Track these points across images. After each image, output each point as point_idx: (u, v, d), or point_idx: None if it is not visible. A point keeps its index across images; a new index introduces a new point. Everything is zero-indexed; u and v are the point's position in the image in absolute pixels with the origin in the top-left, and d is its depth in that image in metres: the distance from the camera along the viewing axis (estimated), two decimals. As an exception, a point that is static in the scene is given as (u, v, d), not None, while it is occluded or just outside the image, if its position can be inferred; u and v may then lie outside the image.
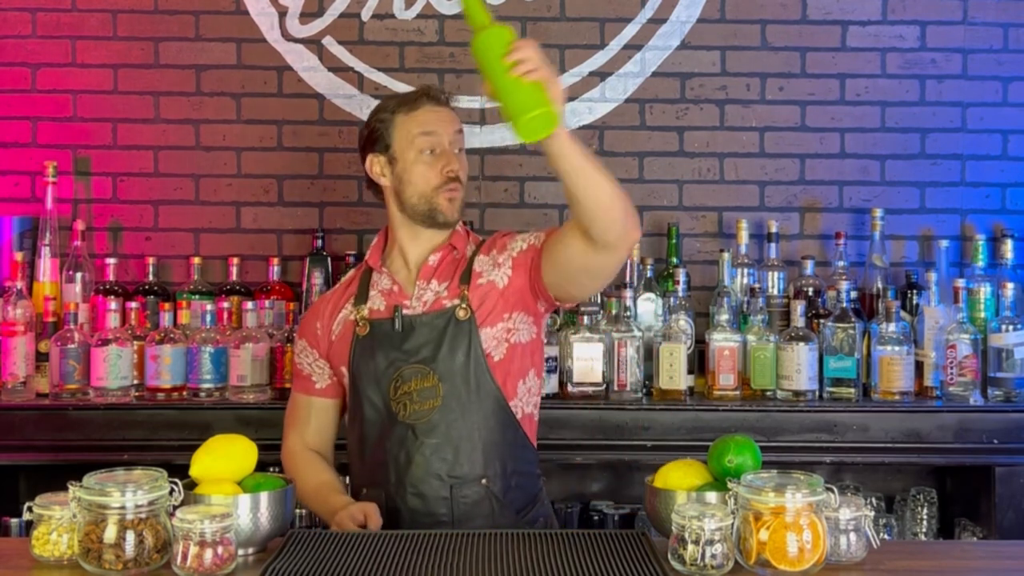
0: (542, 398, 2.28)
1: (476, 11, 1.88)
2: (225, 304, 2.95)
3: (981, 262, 3.08)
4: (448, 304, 2.16)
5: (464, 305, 2.15)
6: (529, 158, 3.26)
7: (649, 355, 2.90)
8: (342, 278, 2.38)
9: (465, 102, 3.19)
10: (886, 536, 2.89)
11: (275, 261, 3.13)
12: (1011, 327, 2.87)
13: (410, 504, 2.10)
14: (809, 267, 3.08)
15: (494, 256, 2.22)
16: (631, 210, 2.04)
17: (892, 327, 2.85)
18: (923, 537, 2.94)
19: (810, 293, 3.04)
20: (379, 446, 2.13)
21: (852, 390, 2.84)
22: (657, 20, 3.26)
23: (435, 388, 2.12)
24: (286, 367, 2.84)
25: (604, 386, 2.86)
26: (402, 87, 3.22)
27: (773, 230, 3.15)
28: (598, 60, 3.26)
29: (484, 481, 2.12)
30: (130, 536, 1.61)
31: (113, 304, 2.82)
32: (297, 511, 2.84)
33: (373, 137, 2.25)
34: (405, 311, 2.16)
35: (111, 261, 3.08)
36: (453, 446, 2.10)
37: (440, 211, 2.20)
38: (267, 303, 2.94)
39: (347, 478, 2.65)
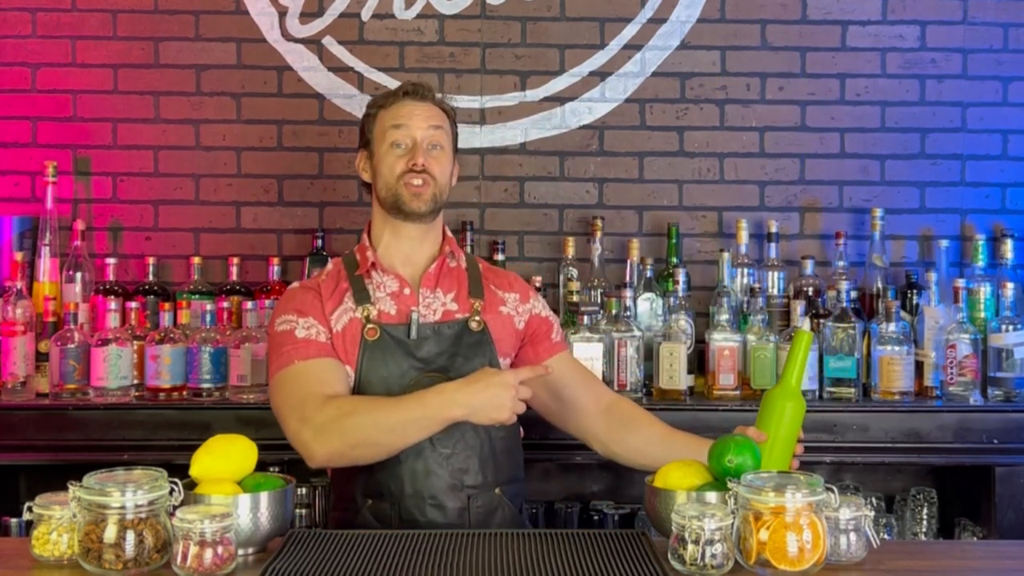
0: None
1: (799, 370, 1.96)
2: (225, 304, 2.95)
3: (981, 262, 3.09)
4: (459, 316, 2.18)
5: (477, 319, 2.17)
6: (529, 158, 3.26)
7: (649, 355, 2.90)
8: (319, 271, 2.26)
9: (465, 102, 3.21)
10: (886, 536, 2.89)
11: (275, 261, 3.13)
12: (1011, 327, 2.87)
13: (429, 516, 2.06)
14: (809, 267, 3.08)
15: (516, 298, 2.27)
16: None
17: (892, 327, 2.85)
18: (923, 537, 2.94)
19: (810, 293, 3.05)
20: (392, 456, 2.05)
21: (852, 390, 2.84)
22: (657, 20, 3.26)
23: None
24: (286, 367, 2.84)
25: (604, 386, 2.86)
26: (402, 87, 3.22)
27: (773, 230, 3.15)
28: (598, 60, 3.26)
29: (498, 490, 2.12)
30: (130, 536, 1.60)
31: (113, 304, 2.81)
32: (297, 511, 2.84)
33: (361, 134, 2.28)
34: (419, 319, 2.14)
35: (111, 261, 3.08)
36: (470, 456, 2.09)
37: (403, 200, 2.16)
38: (267, 303, 2.94)
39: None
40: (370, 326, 2.12)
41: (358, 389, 2.11)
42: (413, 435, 2.00)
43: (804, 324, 2.02)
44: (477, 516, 2.08)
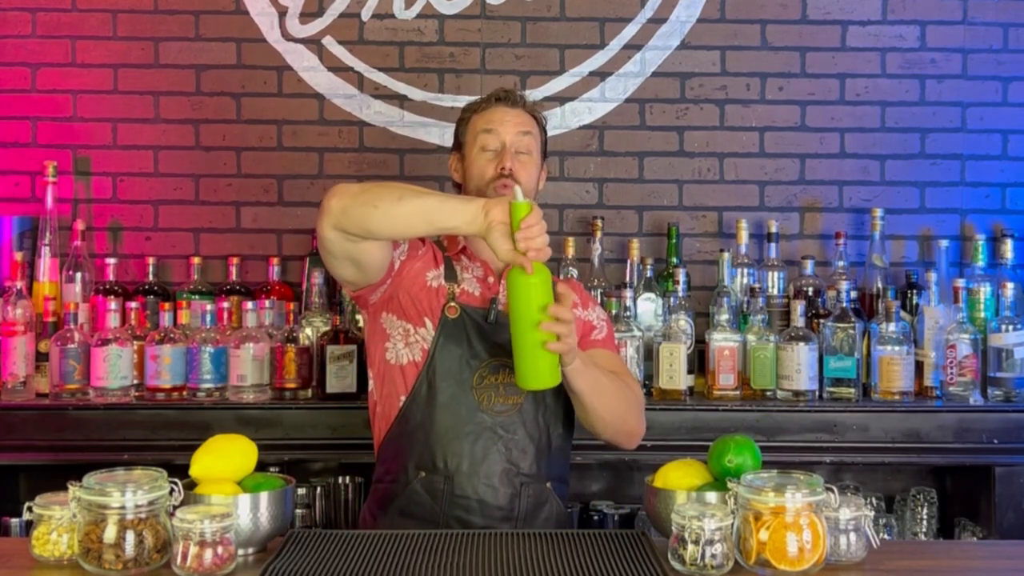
0: None
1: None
2: (225, 304, 2.95)
3: (981, 262, 3.09)
4: None
5: None
6: (529, 158, 3.26)
7: (649, 355, 2.90)
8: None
9: (465, 102, 3.20)
10: (886, 536, 2.90)
11: (275, 261, 3.13)
12: (1011, 327, 2.87)
13: (481, 494, 2.10)
14: (809, 267, 3.08)
15: (579, 303, 2.28)
16: (633, 425, 2.24)
17: (892, 327, 2.85)
18: (923, 537, 2.94)
19: (810, 293, 3.05)
20: (452, 432, 2.11)
21: (852, 390, 2.84)
22: (657, 20, 3.26)
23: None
24: (286, 367, 2.84)
25: (604, 386, 2.86)
26: (402, 87, 3.23)
27: (773, 230, 3.15)
28: (598, 60, 3.27)
29: (549, 485, 2.16)
30: (130, 536, 1.60)
31: (113, 304, 2.81)
32: (297, 511, 2.84)
33: (454, 138, 2.35)
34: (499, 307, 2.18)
35: (111, 261, 3.08)
36: (528, 445, 2.13)
37: None
38: (267, 303, 2.94)
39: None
40: (452, 304, 2.17)
41: (431, 356, 2.14)
42: (416, 207, 1.94)
43: (517, 195, 1.88)
44: (527, 506, 2.12)
